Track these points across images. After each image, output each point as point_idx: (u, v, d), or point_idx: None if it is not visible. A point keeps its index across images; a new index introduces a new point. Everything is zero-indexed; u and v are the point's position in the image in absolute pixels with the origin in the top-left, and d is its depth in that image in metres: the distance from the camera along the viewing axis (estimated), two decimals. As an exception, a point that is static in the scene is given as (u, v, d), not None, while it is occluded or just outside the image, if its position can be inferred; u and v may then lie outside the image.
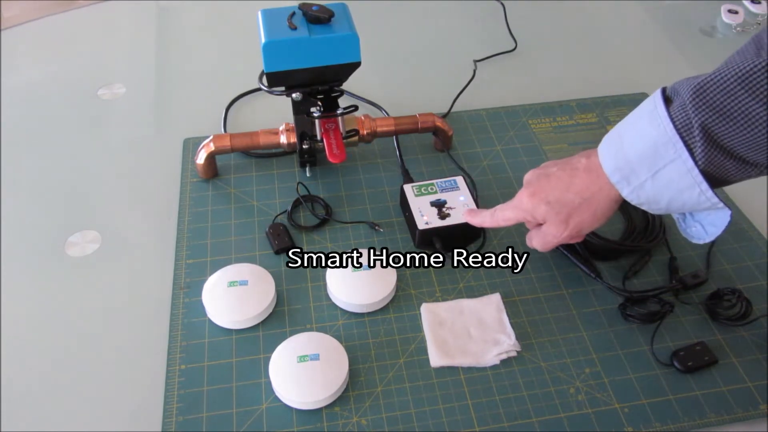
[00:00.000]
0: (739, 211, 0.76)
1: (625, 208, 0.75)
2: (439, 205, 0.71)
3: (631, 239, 0.71)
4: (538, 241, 0.63)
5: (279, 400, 0.58)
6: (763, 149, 0.47)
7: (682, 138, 0.49)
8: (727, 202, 0.54)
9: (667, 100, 0.51)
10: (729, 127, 0.47)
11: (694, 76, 0.49)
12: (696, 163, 0.49)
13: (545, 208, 0.59)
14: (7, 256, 0.70)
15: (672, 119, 0.50)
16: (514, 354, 0.62)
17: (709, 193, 0.50)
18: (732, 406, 0.59)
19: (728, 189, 0.79)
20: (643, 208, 0.55)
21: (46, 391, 0.59)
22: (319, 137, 0.73)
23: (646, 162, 0.51)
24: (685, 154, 0.49)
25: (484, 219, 0.66)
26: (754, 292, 0.67)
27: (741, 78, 0.46)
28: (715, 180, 0.51)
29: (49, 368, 0.61)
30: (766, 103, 0.45)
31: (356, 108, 0.72)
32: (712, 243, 0.72)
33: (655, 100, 0.52)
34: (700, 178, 0.49)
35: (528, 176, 0.63)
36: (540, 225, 0.62)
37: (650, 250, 0.71)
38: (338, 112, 0.71)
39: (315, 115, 0.71)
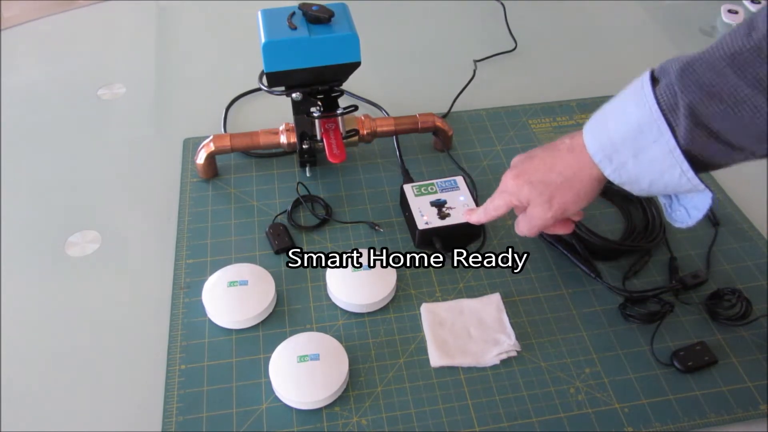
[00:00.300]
0: (739, 211, 0.76)
1: (625, 207, 0.75)
2: (439, 205, 0.71)
3: (631, 239, 0.71)
4: (525, 224, 0.62)
5: (279, 400, 0.58)
6: (748, 131, 0.47)
7: (665, 118, 0.49)
8: (711, 186, 0.53)
9: (655, 81, 0.51)
10: (714, 107, 0.47)
11: (684, 55, 0.49)
12: (678, 143, 0.49)
13: (528, 188, 0.59)
14: (7, 256, 0.70)
15: (657, 99, 0.49)
16: (514, 354, 0.62)
17: (690, 173, 0.49)
18: (732, 406, 0.59)
19: (728, 189, 0.79)
20: (626, 188, 0.55)
21: (46, 391, 0.59)
22: (319, 137, 0.73)
23: (629, 142, 0.51)
24: (668, 134, 0.49)
25: (479, 215, 0.66)
26: (754, 292, 0.67)
27: (729, 57, 0.45)
28: (701, 163, 0.50)
29: (49, 368, 0.61)
30: (752, 84, 0.45)
31: (356, 108, 0.72)
32: (712, 243, 0.72)
33: (642, 81, 0.51)
34: (681, 158, 0.49)
35: (514, 160, 0.63)
36: (526, 209, 0.62)
37: (650, 250, 0.71)
38: (338, 112, 0.71)
39: (315, 115, 0.70)
